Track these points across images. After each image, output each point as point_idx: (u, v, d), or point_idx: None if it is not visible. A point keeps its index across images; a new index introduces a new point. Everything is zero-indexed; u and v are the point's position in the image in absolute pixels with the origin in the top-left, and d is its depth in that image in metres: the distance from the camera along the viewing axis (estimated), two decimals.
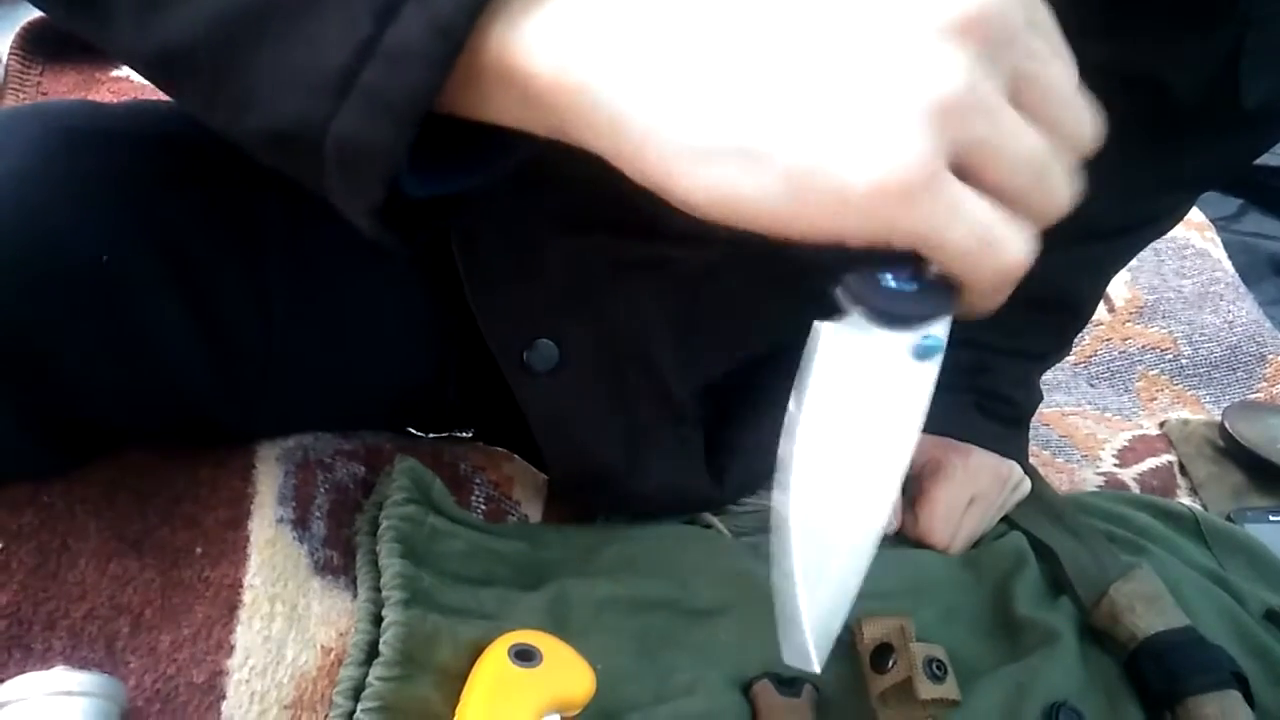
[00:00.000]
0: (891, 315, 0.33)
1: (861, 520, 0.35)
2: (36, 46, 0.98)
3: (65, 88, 0.96)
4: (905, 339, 0.34)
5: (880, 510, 0.35)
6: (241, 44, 0.33)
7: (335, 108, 0.32)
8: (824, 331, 0.34)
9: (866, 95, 0.30)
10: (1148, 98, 0.64)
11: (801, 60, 0.31)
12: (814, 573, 0.35)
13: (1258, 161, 1.25)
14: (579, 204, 0.56)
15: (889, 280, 0.33)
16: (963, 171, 0.31)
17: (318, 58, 0.32)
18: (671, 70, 0.31)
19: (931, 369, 0.34)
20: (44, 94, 0.95)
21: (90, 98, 0.95)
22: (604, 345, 0.61)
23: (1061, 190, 0.34)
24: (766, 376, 0.68)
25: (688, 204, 0.32)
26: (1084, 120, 0.34)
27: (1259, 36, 0.60)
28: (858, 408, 0.34)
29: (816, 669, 0.35)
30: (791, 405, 0.35)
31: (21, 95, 0.93)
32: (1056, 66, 0.33)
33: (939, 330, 0.34)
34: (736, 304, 0.64)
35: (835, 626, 0.36)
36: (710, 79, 0.31)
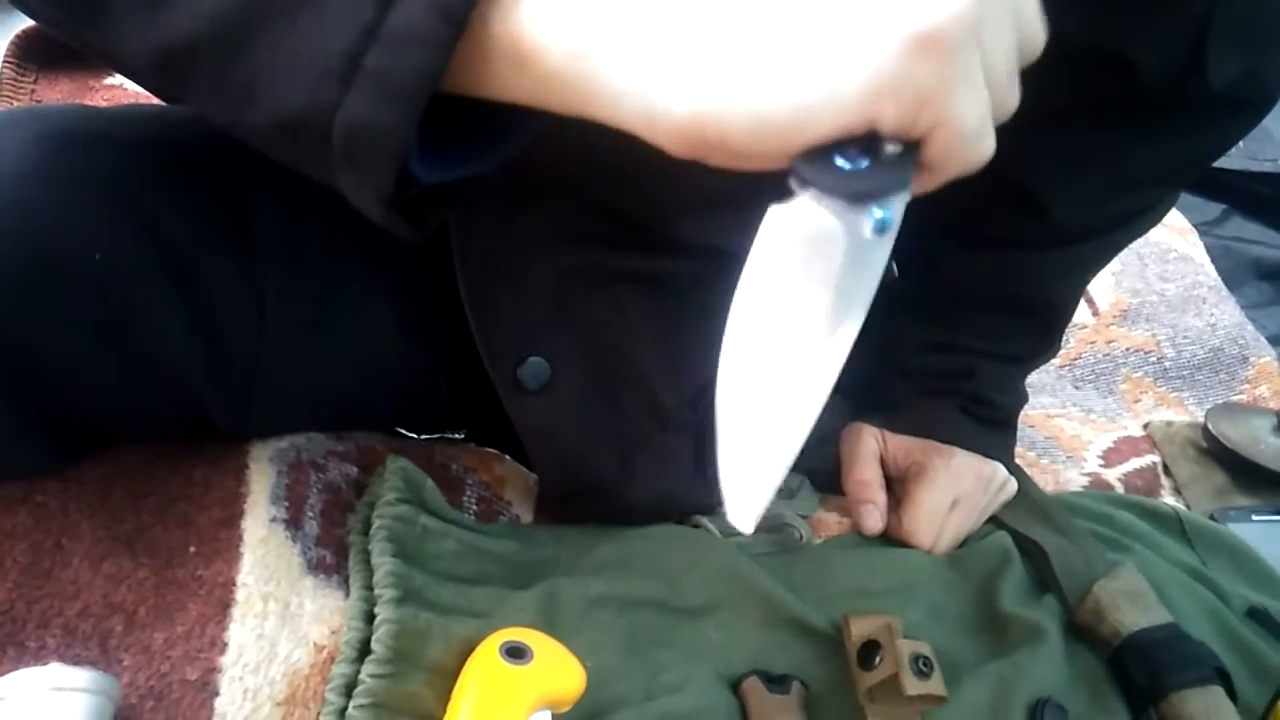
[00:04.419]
0: (847, 192, 0.33)
1: (801, 387, 0.35)
2: (30, 55, 0.98)
3: (59, 95, 0.97)
4: (860, 216, 0.34)
5: (822, 381, 0.35)
6: (243, 37, 0.34)
7: (341, 93, 0.32)
8: (776, 211, 0.35)
9: None
10: (1115, 79, 0.64)
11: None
12: (745, 439, 0.35)
13: (1240, 166, 1.27)
14: (573, 218, 0.56)
15: (841, 161, 0.33)
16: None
17: (321, 45, 0.32)
18: (681, 28, 0.32)
19: (886, 244, 0.35)
20: (38, 102, 0.95)
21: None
22: (594, 359, 0.61)
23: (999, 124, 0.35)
24: None
25: (717, 148, 0.33)
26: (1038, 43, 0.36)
27: (1227, 11, 0.60)
28: (805, 279, 0.35)
29: (747, 530, 0.36)
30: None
31: (15, 103, 0.93)
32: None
33: (894, 207, 0.34)
34: (723, 311, 0.65)
35: (766, 492, 0.36)
36: (717, 27, 0.32)
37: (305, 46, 0.33)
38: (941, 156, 0.33)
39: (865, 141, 0.33)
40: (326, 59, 0.32)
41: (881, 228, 0.34)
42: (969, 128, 0.33)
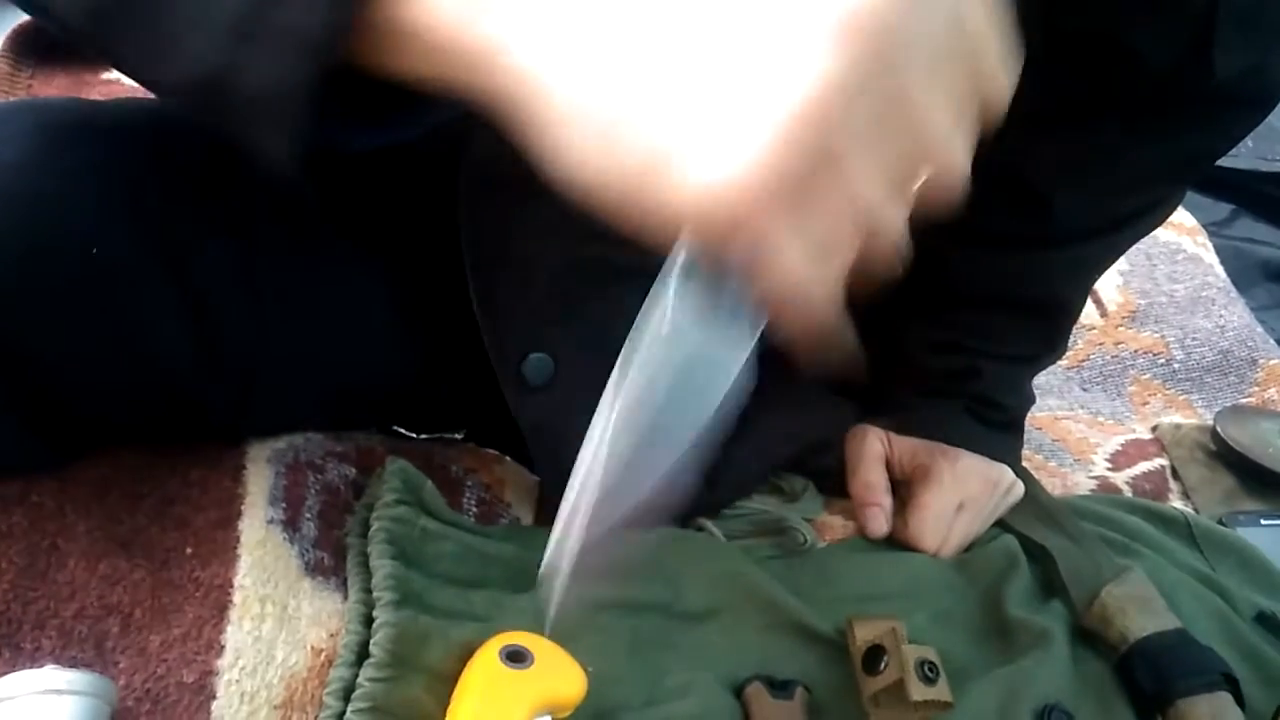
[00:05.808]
0: (694, 295, 0.33)
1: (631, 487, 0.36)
2: (27, 49, 0.98)
3: (55, 90, 0.96)
4: (696, 326, 0.33)
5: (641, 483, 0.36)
6: None
7: (243, 51, 0.32)
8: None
9: (730, 93, 0.29)
10: (1119, 71, 0.63)
11: (690, 44, 0.30)
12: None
13: (1249, 167, 1.26)
14: (577, 213, 0.56)
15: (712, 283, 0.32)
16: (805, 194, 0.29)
17: (224, 2, 0.32)
18: (571, 36, 0.31)
19: (711, 366, 0.34)
20: (34, 96, 0.95)
21: None
22: (597, 356, 0.61)
23: (889, 248, 0.32)
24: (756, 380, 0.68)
25: (562, 171, 0.32)
26: (955, 162, 0.31)
27: (1230, 2, 0.59)
28: (645, 367, 0.35)
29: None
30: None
31: (11, 98, 0.93)
32: (941, 105, 0.30)
33: (730, 333, 0.33)
34: None
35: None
36: (605, 50, 0.30)
37: (209, 2, 0.33)
38: (771, 300, 0.32)
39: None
40: (230, 15, 0.32)
41: (714, 345, 0.33)
42: (789, 280, 0.31)
